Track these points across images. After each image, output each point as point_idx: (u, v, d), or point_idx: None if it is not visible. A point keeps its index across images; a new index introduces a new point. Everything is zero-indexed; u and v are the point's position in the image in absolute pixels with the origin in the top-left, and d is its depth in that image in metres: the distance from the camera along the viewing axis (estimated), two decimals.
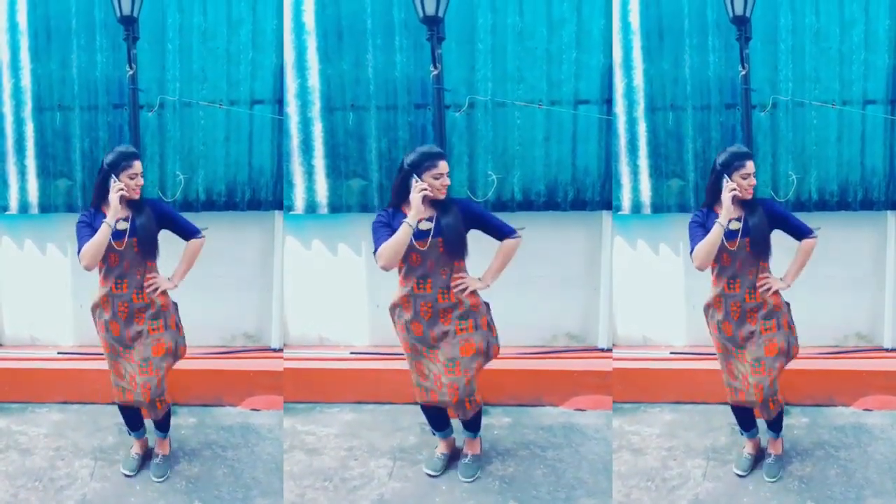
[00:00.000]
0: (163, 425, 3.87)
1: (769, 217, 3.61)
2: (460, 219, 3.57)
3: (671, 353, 4.60)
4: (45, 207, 4.65)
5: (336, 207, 4.62)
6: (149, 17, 4.53)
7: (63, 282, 4.72)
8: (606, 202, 4.60)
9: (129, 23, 4.47)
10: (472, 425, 3.82)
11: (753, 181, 3.58)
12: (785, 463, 3.80)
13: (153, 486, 3.78)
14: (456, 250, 3.57)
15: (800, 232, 3.69)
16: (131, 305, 3.63)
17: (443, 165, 3.52)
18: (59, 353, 4.67)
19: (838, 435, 4.02)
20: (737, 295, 3.60)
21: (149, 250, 3.65)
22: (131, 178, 3.60)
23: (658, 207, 4.58)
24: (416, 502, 3.69)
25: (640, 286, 4.63)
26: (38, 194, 4.65)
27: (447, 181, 3.54)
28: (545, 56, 4.57)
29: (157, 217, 3.67)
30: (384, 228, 3.53)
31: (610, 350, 4.55)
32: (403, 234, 3.46)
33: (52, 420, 4.22)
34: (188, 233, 3.77)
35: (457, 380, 3.57)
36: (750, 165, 3.56)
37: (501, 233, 3.66)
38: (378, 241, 3.51)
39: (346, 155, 4.62)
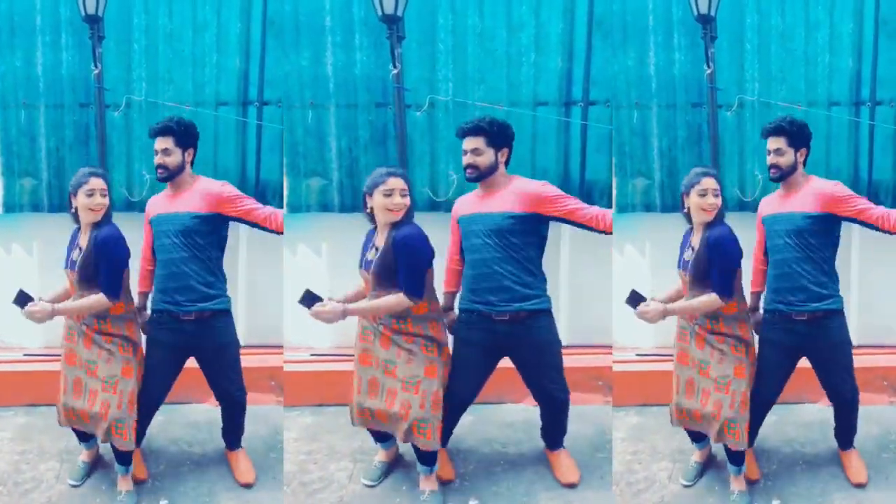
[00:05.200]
0: (123, 458, 3.62)
1: (709, 252, 3.38)
2: (394, 252, 3.33)
3: (637, 354, 4.58)
4: (10, 207, 4.65)
5: (295, 207, 4.61)
6: (115, 17, 4.57)
7: (29, 282, 4.61)
8: None
9: (93, 21, 4.49)
10: (426, 458, 3.59)
11: (713, 200, 3.37)
12: (752, 498, 3.67)
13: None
14: (390, 283, 3.36)
15: (716, 288, 3.40)
16: (91, 327, 3.46)
17: (393, 182, 3.33)
18: (25, 354, 4.65)
19: (805, 432, 4.03)
20: (698, 320, 3.49)
21: (90, 282, 3.40)
22: (88, 196, 3.38)
23: (623, 206, 4.59)
24: None
25: (606, 286, 4.62)
26: (3, 193, 4.66)
27: (399, 200, 3.33)
28: (505, 58, 4.60)
29: (94, 248, 3.38)
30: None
31: (567, 347, 4.53)
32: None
33: (17, 423, 4.19)
34: (98, 285, 3.41)
35: (412, 398, 3.40)
36: (706, 182, 3.38)
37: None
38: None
39: (305, 153, 4.62)
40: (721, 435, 3.50)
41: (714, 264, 3.40)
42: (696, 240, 3.46)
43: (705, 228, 3.43)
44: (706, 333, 3.49)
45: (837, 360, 3.58)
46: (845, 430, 3.74)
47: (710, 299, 3.39)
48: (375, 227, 3.46)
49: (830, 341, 3.53)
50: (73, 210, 3.48)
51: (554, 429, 3.74)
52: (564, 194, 3.48)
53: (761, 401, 3.58)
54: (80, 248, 3.45)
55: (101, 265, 3.40)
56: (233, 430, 3.82)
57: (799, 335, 3.51)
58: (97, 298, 3.39)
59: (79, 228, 3.51)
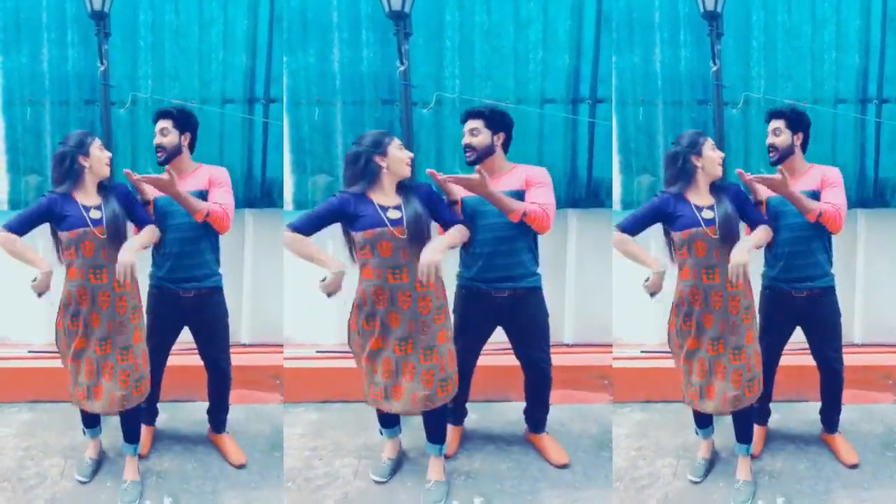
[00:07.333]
0: (131, 433, 3.66)
1: (736, 203, 3.52)
2: (424, 205, 3.48)
3: (642, 351, 4.58)
4: (15, 203, 4.64)
5: (301, 204, 4.60)
6: (120, 13, 4.56)
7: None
8: (571, 200, 4.61)
9: (99, 18, 4.48)
10: (436, 434, 3.64)
11: (722, 153, 3.51)
12: (756, 488, 3.68)
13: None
14: (426, 237, 3.44)
15: (755, 223, 3.60)
16: (113, 294, 3.47)
17: (397, 139, 3.48)
18: (29, 351, 4.65)
19: (809, 429, 4.02)
20: (717, 285, 3.48)
21: (122, 237, 3.51)
22: (101, 150, 3.48)
23: (628, 204, 4.58)
24: (380, 501, 3.65)
25: (610, 284, 4.62)
26: (9, 190, 4.65)
27: (411, 153, 3.47)
28: (512, 55, 4.59)
29: (122, 202, 3.53)
30: (327, 213, 3.45)
31: (573, 345, 4.56)
32: (320, 258, 3.43)
33: (21, 419, 4.20)
34: (142, 222, 3.62)
35: (433, 366, 3.45)
36: (710, 139, 3.52)
37: (450, 225, 3.56)
38: (304, 219, 3.44)
39: (312, 150, 4.62)
40: (741, 399, 3.53)
41: (748, 206, 3.58)
42: (701, 199, 3.50)
43: (715, 187, 3.52)
44: (718, 308, 3.49)
45: (831, 331, 3.78)
46: (832, 407, 3.88)
47: (765, 228, 3.57)
48: (358, 193, 3.43)
49: (825, 313, 3.74)
50: (72, 172, 3.45)
51: (539, 406, 3.89)
52: (548, 184, 3.64)
53: (768, 365, 3.71)
54: (96, 208, 3.48)
55: (137, 207, 3.60)
56: (219, 407, 3.92)
57: (797, 309, 3.71)
58: (153, 227, 3.61)
59: (58, 196, 3.46)
